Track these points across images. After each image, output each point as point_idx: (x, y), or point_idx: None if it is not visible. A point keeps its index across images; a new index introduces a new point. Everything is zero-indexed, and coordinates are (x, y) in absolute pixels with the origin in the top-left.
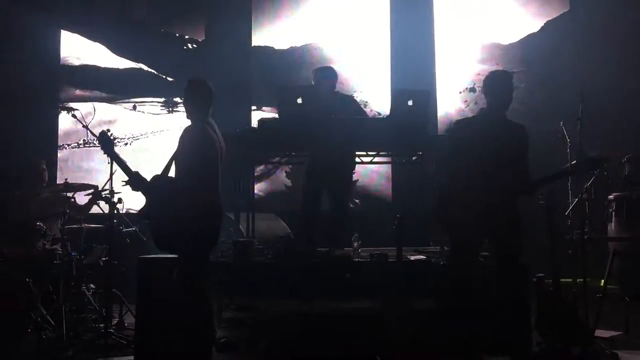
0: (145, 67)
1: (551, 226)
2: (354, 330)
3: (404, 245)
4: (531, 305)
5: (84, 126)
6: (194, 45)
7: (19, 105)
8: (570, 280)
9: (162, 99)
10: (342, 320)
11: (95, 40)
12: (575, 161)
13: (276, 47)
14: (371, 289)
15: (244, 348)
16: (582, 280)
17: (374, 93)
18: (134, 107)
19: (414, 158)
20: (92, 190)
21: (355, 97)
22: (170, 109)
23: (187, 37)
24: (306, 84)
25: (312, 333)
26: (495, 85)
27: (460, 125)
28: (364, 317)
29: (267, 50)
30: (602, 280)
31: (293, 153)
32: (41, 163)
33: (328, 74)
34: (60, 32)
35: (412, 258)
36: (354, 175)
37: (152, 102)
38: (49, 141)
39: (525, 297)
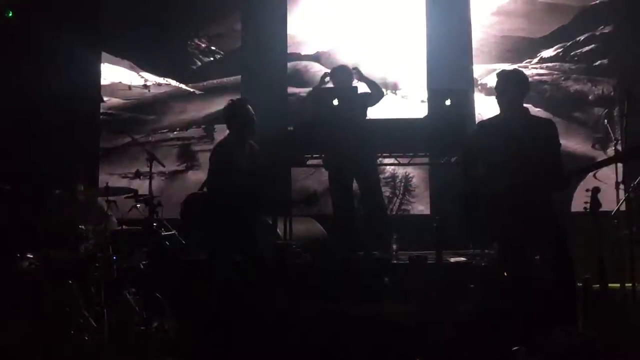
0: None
1: (597, 226)
2: (393, 334)
3: (444, 248)
4: (578, 307)
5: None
6: (217, 56)
7: (60, 119)
8: (618, 285)
9: (200, 127)
10: (381, 323)
11: (124, 58)
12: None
13: (303, 53)
14: (410, 292)
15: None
16: (630, 284)
17: (411, 93)
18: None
19: (453, 159)
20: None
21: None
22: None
23: (212, 48)
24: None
25: (350, 336)
26: (506, 84)
27: (482, 127)
28: (403, 320)
29: (295, 58)
30: None
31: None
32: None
33: (346, 72)
34: (101, 54)
35: (452, 260)
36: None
37: (188, 138)
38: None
39: (572, 299)
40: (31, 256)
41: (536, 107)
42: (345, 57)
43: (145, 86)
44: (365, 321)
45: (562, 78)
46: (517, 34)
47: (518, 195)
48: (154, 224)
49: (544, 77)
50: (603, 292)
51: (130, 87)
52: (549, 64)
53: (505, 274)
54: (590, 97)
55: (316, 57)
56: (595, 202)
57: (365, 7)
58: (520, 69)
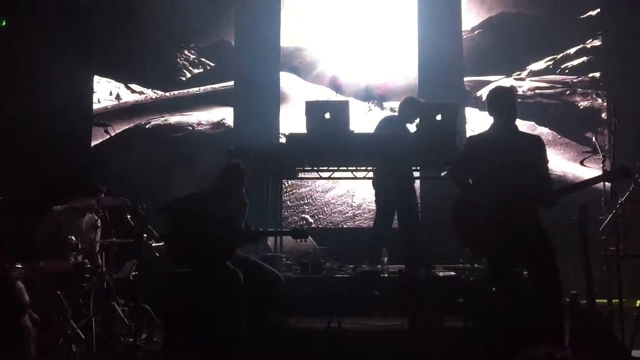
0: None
1: (585, 242)
2: (382, 346)
3: (433, 262)
4: (565, 324)
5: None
6: (208, 68)
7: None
8: (606, 300)
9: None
10: (370, 335)
11: (114, 79)
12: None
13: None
14: (399, 305)
15: None
16: (617, 300)
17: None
18: None
19: (443, 174)
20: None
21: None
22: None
23: (202, 59)
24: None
25: (339, 348)
26: (499, 101)
27: (472, 142)
28: (392, 333)
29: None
30: (638, 301)
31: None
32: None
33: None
34: (93, 77)
35: (441, 274)
36: None
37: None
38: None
39: (559, 314)
40: (20, 267)
41: (540, 126)
42: (329, 68)
43: (117, 97)
44: (354, 333)
45: (567, 92)
46: (506, 47)
47: (506, 210)
48: (144, 235)
49: (545, 90)
50: (590, 308)
51: (99, 99)
52: (549, 77)
53: (494, 288)
54: (603, 115)
55: (295, 69)
56: (583, 218)
57: (355, 18)
58: (507, 86)
